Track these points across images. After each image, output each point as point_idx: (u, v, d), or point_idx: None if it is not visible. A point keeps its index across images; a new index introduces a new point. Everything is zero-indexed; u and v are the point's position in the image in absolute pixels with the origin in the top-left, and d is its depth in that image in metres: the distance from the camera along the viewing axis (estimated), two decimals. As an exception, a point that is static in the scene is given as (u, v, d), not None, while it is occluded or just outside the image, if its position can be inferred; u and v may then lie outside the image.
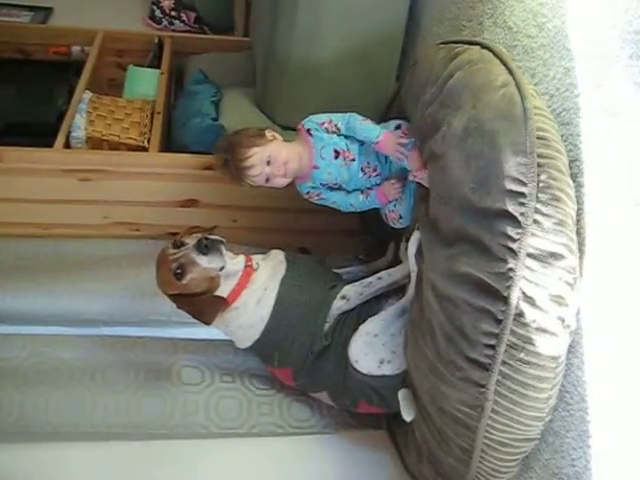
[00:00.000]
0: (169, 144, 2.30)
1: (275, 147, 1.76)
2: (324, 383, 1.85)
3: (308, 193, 1.86)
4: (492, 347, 1.27)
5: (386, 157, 1.79)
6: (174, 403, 1.90)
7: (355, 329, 1.78)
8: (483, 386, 1.29)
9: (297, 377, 1.88)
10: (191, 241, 1.73)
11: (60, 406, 1.84)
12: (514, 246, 1.23)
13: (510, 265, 1.23)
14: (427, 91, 1.56)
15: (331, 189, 1.85)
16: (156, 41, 2.79)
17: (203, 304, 1.73)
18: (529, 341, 1.23)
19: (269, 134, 1.80)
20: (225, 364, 2.04)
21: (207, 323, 1.74)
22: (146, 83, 2.45)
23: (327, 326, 1.82)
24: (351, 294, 1.85)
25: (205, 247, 1.70)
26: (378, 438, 1.94)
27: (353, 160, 1.79)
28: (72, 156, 2.09)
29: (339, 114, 1.81)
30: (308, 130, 1.79)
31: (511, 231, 1.24)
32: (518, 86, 1.34)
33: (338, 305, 1.84)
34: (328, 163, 1.79)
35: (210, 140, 2.11)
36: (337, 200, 1.86)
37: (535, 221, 1.22)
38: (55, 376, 1.90)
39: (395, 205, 1.83)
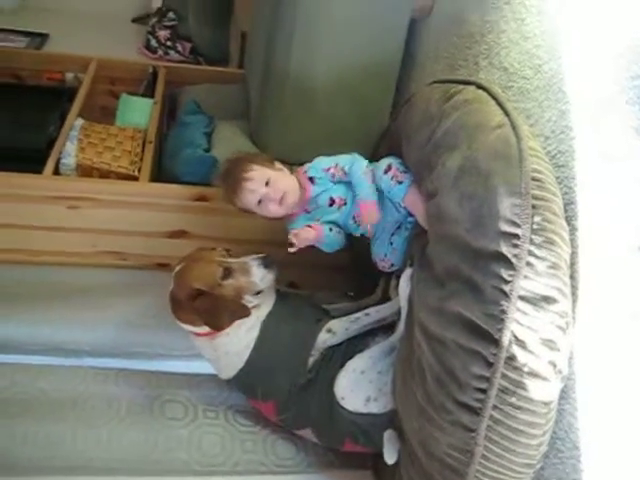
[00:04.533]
0: (160, 174, 2.28)
1: (279, 175, 1.76)
2: (309, 419, 1.82)
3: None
4: (483, 391, 1.25)
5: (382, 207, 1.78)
6: (156, 438, 1.85)
7: (341, 365, 1.75)
8: (473, 430, 1.26)
9: (280, 411, 1.84)
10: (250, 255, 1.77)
11: (38, 439, 1.79)
12: (506, 288, 1.22)
13: (502, 307, 1.22)
14: (422, 131, 1.57)
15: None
16: (150, 70, 2.79)
17: (225, 307, 1.71)
18: (521, 385, 1.21)
19: (278, 165, 1.81)
20: (209, 399, 2.00)
21: (219, 328, 1.72)
22: (139, 112, 2.44)
23: (312, 360, 1.79)
24: (337, 328, 1.83)
25: (270, 262, 1.74)
26: (363, 478, 1.90)
27: (345, 204, 1.79)
28: (61, 183, 2.07)
29: (344, 156, 1.80)
30: (311, 178, 1.79)
31: (504, 273, 1.23)
32: (514, 127, 1.35)
33: (324, 339, 1.81)
34: (321, 210, 1.80)
35: (201, 171, 2.11)
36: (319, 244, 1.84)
37: (528, 263, 1.21)
38: (35, 407, 1.85)
39: (386, 255, 1.82)
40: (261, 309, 1.82)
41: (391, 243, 1.81)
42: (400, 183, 1.70)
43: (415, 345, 1.47)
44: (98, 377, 1.98)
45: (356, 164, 1.76)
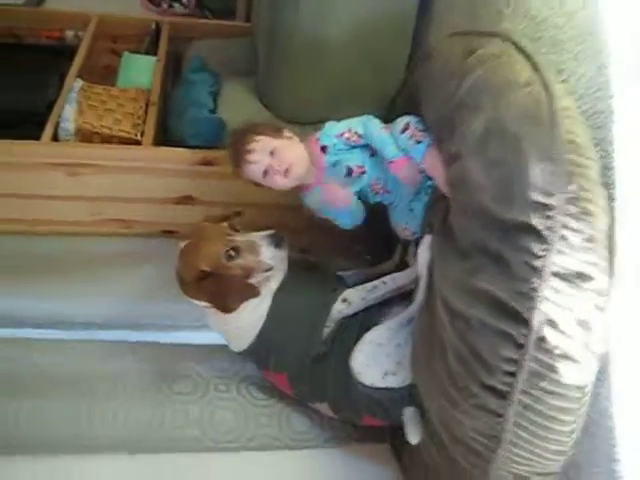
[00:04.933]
0: (165, 135, 2.17)
1: (285, 144, 1.64)
2: (324, 393, 1.76)
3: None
4: (511, 374, 1.15)
5: None
6: (164, 414, 1.79)
7: (357, 337, 1.67)
8: (500, 415, 1.17)
9: (294, 384, 1.78)
10: (255, 232, 1.68)
11: (42, 417, 1.74)
12: (538, 264, 1.11)
13: (533, 285, 1.11)
14: (443, 89, 1.44)
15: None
16: (153, 26, 2.65)
17: (233, 288, 1.63)
18: (552, 369, 1.11)
19: (287, 133, 1.68)
20: (220, 372, 1.94)
21: (227, 310, 1.64)
22: (141, 71, 2.32)
23: (327, 331, 1.72)
24: (353, 298, 1.75)
25: (280, 240, 1.65)
26: (381, 452, 1.85)
27: (364, 173, 1.68)
28: (60, 149, 1.97)
29: (355, 119, 1.68)
30: (323, 147, 1.66)
31: (535, 247, 1.11)
32: (544, 84, 1.21)
33: (339, 309, 1.73)
34: (338, 182, 1.68)
35: (208, 133, 2.00)
36: (339, 216, 1.76)
37: (562, 237, 1.10)
38: (38, 384, 1.80)
39: (407, 223, 1.71)
40: (272, 280, 1.74)
41: (411, 210, 1.71)
42: (419, 143, 1.58)
43: (436, 320, 1.38)
44: (105, 351, 1.92)
45: (370, 124, 1.65)
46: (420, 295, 1.63)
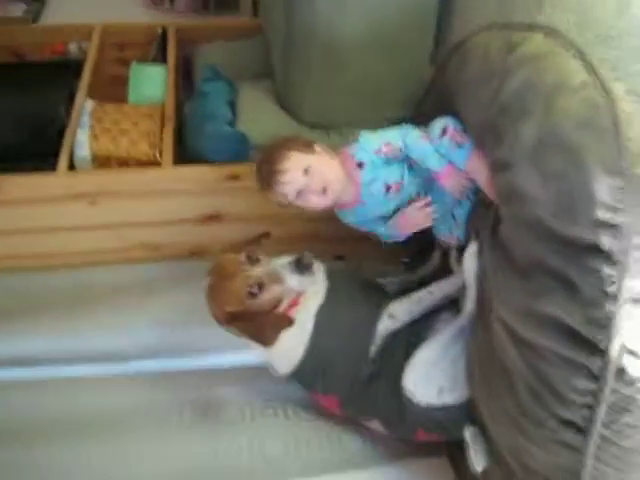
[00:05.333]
0: (182, 150, 2.07)
1: (320, 160, 1.55)
2: (376, 412, 1.68)
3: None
4: (589, 407, 1.07)
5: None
6: (216, 447, 1.72)
7: (406, 351, 1.60)
8: (579, 450, 1.10)
9: (345, 405, 1.70)
10: (276, 258, 1.60)
11: (91, 464, 1.67)
12: (611, 289, 1.02)
13: (607, 312, 1.03)
14: (483, 89, 1.34)
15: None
16: (159, 32, 2.54)
17: (266, 324, 1.56)
18: (636, 403, 1.03)
19: (318, 147, 1.58)
20: (264, 394, 1.86)
21: (266, 344, 1.57)
22: (152, 83, 2.22)
23: (374, 349, 1.64)
24: (399, 312, 1.67)
25: (305, 267, 1.57)
26: (439, 467, 1.76)
27: (402, 187, 1.59)
28: (79, 179, 1.88)
29: (392, 131, 1.57)
30: (359, 164, 1.56)
31: (607, 270, 1.03)
32: (602, 86, 1.11)
33: (385, 325, 1.65)
34: (377, 200, 1.60)
35: (229, 148, 1.90)
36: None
37: (637, 260, 1.01)
38: (79, 427, 1.73)
39: (451, 231, 1.62)
40: (312, 301, 1.65)
41: (453, 217, 1.61)
42: (460, 146, 1.48)
43: (495, 341, 1.29)
44: (141, 384, 1.85)
45: (410, 136, 1.54)
46: (469, 305, 1.56)
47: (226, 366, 1.92)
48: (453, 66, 1.57)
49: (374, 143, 1.56)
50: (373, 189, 1.57)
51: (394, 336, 1.65)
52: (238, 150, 1.90)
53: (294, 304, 1.62)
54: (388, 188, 1.57)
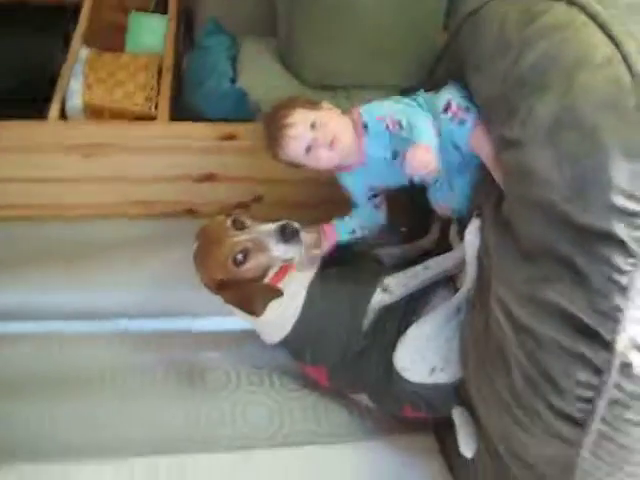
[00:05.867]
0: (180, 106, 2.00)
1: (327, 114, 1.50)
2: (364, 385, 1.66)
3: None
4: (588, 401, 1.03)
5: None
6: (198, 413, 1.69)
7: (400, 326, 1.57)
8: (575, 444, 1.06)
9: (333, 377, 1.68)
10: (263, 225, 1.52)
11: (68, 418, 1.63)
12: (623, 280, 0.97)
13: (616, 303, 0.98)
14: (497, 61, 1.26)
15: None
16: (162, -20, 2.43)
17: (254, 293, 1.51)
18: (639, 399, 0.99)
19: (326, 104, 1.53)
20: (252, 360, 1.83)
21: (256, 314, 1.51)
22: (152, 33, 2.13)
23: (366, 322, 1.61)
24: (394, 286, 1.62)
25: (290, 234, 1.48)
26: (426, 444, 1.74)
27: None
28: (69, 130, 1.81)
29: (403, 105, 1.49)
30: (365, 125, 1.50)
31: (620, 260, 0.98)
32: (626, 62, 1.04)
33: (379, 299, 1.61)
34: (379, 166, 1.53)
35: (228, 106, 1.84)
36: None
37: (654, 250, 0.95)
38: (63, 382, 1.70)
39: (446, 201, 1.58)
40: (305, 272, 1.61)
41: (451, 187, 1.55)
42: (462, 123, 1.42)
43: (494, 325, 1.25)
44: (132, 343, 1.82)
45: (418, 120, 1.44)
46: (468, 283, 1.51)
47: (214, 329, 1.90)
48: (466, 34, 1.48)
49: (379, 110, 1.50)
50: (375, 153, 1.51)
51: (388, 310, 1.61)
52: (237, 108, 1.83)
53: (282, 274, 1.58)
54: (395, 155, 1.50)
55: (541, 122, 1.10)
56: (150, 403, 1.69)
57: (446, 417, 1.56)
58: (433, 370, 1.51)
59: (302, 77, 1.91)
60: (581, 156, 1.02)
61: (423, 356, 1.51)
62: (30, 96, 1.88)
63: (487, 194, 1.41)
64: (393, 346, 1.54)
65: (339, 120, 1.50)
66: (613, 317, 0.98)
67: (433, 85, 1.62)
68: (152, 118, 1.87)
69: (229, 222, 1.52)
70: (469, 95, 1.45)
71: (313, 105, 1.51)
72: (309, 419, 1.74)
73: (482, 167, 1.45)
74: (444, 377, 1.52)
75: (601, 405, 1.01)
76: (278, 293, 1.52)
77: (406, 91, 1.82)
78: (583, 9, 1.16)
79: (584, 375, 1.02)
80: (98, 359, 1.77)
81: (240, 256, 1.47)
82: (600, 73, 1.05)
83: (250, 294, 1.49)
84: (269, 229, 1.50)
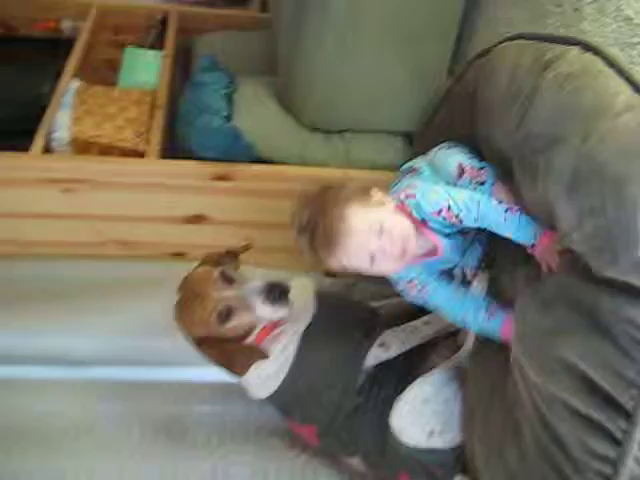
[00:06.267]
0: (172, 145, 1.91)
1: (391, 214, 1.23)
2: (357, 448, 1.53)
3: (409, 282, 1.33)
4: (607, 477, 0.91)
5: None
6: (175, 473, 1.56)
7: (397, 385, 1.47)
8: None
9: (323, 437, 1.55)
10: (250, 282, 1.38)
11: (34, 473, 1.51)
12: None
13: (640, 367, 0.87)
14: (508, 110, 1.19)
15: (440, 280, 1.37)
16: (159, 17, 2.38)
17: (237, 353, 1.39)
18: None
19: (377, 195, 1.24)
20: (237, 416, 1.71)
21: (237, 374, 1.41)
22: (146, 68, 2.06)
23: (361, 379, 1.50)
24: (392, 341, 1.53)
25: (277, 295, 1.35)
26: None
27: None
28: (53, 162, 1.71)
29: (458, 191, 1.25)
30: (423, 221, 1.26)
31: (646, 321, 0.87)
32: (650, 109, 0.96)
33: (375, 354, 1.52)
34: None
35: (222, 144, 1.74)
36: (447, 307, 1.35)
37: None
38: (28, 436, 1.57)
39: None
40: (298, 322, 1.50)
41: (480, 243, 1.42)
42: (482, 184, 1.31)
43: (510, 382, 1.14)
44: (106, 393, 1.70)
45: (484, 205, 1.22)
46: (471, 340, 1.43)
47: (196, 381, 1.77)
48: (473, 75, 1.42)
49: (431, 202, 1.24)
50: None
51: (384, 368, 1.52)
52: (230, 147, 1.74)
53: (268, 332, 1.46)
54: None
55: (560, 176, 1.02)
56: (122, 459, 1.56)
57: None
58: (431, 433, 1.40)
59: (300, 118, 1.84)
60: (603, 210, 0.93)
61: (420, 418, 1.40)
62: (20, 128, 1.79)
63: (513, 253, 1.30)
64: (389, 406, 1.44)
65: (404, 222, 1.24)
66: (635, 383, 0.87)
67: (429, 132, 1.55)
68: (141, 155, 1.78)
69: (216, 274, 1.40)
70: (473, 152, 1.37)
71: (366, 197, 1.23)
72: (296, 483, 1.61)
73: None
74: (442, 442, 1.40)
75: (622, 481, 0.89)
76: (262, 355, 1.41)
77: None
78: (601, 54, 1.09)
79: (600, 446, 0.91)
80: (65, 410, 1.64)
81: (224, 314, 1.35)
82: (620, 120, 0.97)
83: (230, 354, 1.38)
84: (256, 287, 1.37)
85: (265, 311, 1.36)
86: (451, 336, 1.57)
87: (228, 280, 1.38)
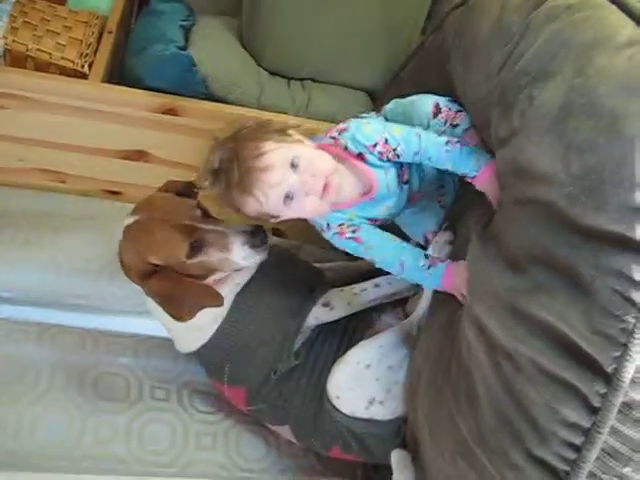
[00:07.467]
0: (124, 74, 1.75)
1: (310, 149, 1.17)
2: (288, 415, 1.43)
3: (340, 226, 1.22)
4: (576, 448, 0.82)
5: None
6: (83, 425, 1.42)
7: (338, 351, 1.38)
8: (550, 503, 0.84)
9: (252, 401, 1.44)
10: (235, 225, 1.28)
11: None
12: (637, 297, 0.77)
13: (626, 325, 0.78)
14: (492, 52, 1.10)
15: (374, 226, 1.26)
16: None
17: (190, 293, 1.25)
18: (640, 450, 0.78)
19: (295, 135, 1.17)
20: (159, 372, 1.60)
21: (179, 319, 1.24)
22: (99, -7, 1.88)
23: (299, 340, 1.40)
24: (336, 302, 1.43)
25: (260, 241, 1.28)
26: (349, 492, 1.50)
27: (407, 182, 1.26)
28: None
29: (395, 126, 1.19)
30: (360, 154, 1.19)
31: (636, 272, 0.77)
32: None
33: (317, 314, 1.42)
34: (392, 194, 1.25)
35: (173, 74, 1.60)
36: (382, 250, 1.22)
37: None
38: None
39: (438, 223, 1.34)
40: (240, 273, 1.38)
41: (442, 206, 1.35)
42: (454, 127, 1.22)
43: (462, 348, 1.03)
44: (16, 333, 1.54)
45: (425, 139, 1.17)
46: (423, 305, 1.33)
47: (122, 330, 1.64)
48: (450, 29, 1.31)
49: (367, 135, 1.18)
50: (390, 183, 1.23)
51: (326, 329, 1.42)
52: (182, 78, 1.59)
53: (223, 282, 1.35)
54: (400, 178, 1.24)
55: (544, 110, 0.91)
56: (24, 407, 1.41)
57: (379, 464, 1.38)
58: (371, 402, 1.31)
59: (260, 60, 1.73)
60: (595, 146, 0.83)
61: (361, 384, 1.31)
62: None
63: (474, 212, 1.20)
64: (327, 371, 1.34)
65: (324, 156, 1.17)
66: (619, 342, 0.77)
67: (394, 87, 1.44)
68: (84, 78, 1.61)
69: (194, 203, 1.28)
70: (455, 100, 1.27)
71: (284, 135, 1.16)
72: (218, 448, 1.52)
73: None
74: (383, 412, 1.31)
75: (591, 455, 0.80)
76: (218, 302, 1.27)
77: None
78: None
79: (572, 413, 0.81)
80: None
81: (196, 246, 1.22)
82: (622, 54, 0.87)
83: (183, 292, 1.24)
84: (241, 228, 1.27)
85: (241, 254, 1.27)
86: (400, 304, 1.47)
87: (206, 213, 1.29)
